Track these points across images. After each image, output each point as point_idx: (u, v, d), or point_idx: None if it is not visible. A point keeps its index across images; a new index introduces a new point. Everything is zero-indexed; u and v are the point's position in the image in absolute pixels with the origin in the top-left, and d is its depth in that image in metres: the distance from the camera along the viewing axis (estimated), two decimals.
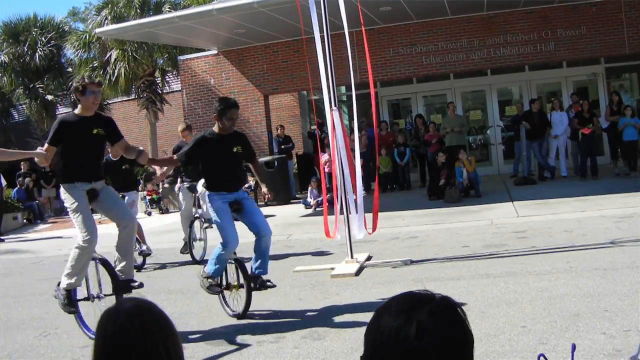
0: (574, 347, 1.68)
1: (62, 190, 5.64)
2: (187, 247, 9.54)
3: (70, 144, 5.49)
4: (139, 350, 1.47)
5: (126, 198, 9.56)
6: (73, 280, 5.53)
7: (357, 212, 7.76)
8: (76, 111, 5.66)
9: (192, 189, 9.57)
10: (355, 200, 7.76)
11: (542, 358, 1.63)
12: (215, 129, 6.16)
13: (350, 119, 16.62)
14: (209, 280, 6.06)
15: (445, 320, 1.30)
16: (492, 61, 15.66)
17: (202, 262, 9.25)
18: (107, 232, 14.16)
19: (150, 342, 1.48)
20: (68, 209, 5.65)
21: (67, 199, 5.56)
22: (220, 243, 6.05)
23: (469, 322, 1.35)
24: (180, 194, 10.08)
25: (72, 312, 5.58)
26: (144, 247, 9.59)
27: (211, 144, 6.07)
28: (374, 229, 7.94)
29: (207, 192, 6.11)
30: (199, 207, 9.62)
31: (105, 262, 5.75)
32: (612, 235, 8.13)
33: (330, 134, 7.88)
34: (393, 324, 1.29)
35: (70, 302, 5.54)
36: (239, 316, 5.97)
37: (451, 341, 1.28)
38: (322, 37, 7.87)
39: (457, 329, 1.31)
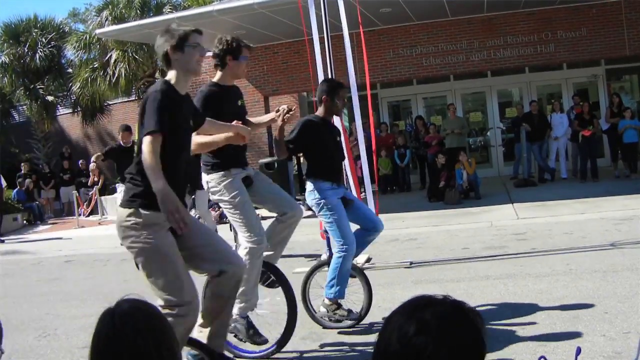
0: (578, 350, 1.68)
1: (212, 181, 4.62)
2: None
3: (222, 119, 4.41)
4: (130, 351, 1.47)
5: None
6: (250, 301, 4.61)
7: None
8: (216, 79, 4.66)
9: (190, 192, 9.37)
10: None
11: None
12: (320, 112, 5.33)
13: (351, 120, 16.62)
14: (338, 309, 5.13)
15: (451, 323, 1.26)
16: (492, 63, 15.67)
17: None
18: (109, 233, 14.14)
19: (142, 343, 1.49)
20: (225, 204, 4.61)
21: (224, 191, 4.55)
22: (338, 250, 5.13)
23: (483, 330, 1.30)
24: None
25: (262, 341, 4.63)
26: None
27: (318, 129, 5.26)
28: None
29: (314, 186, 5.24)
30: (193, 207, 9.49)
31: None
32: (612, 237, 8.13)
33: None
34: (397, 324, 1.28)
35: (253, 328, 4.62)
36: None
37: (454, 346, 1.24)
38: (322, 39, 7.89)
39: (462, 334, 1.26)
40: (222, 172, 4.56)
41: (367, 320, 5.47)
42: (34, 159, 23.31)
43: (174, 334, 1.59)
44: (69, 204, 19.57)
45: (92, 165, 11.36)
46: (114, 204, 18.40)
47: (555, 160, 15.04)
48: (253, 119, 5.08)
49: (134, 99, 22.66)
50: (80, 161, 20.21)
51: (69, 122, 25.78)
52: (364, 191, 8.58)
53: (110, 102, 23.91)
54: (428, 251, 8.65)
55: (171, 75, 3.71)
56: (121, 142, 10.27)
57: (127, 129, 10.33)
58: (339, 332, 5.31)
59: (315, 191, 5.24)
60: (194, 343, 3.58)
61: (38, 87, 23.29)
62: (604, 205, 10.75)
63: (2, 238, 14.81)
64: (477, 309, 4.84)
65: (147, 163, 3.27)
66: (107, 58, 20.33)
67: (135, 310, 1.55)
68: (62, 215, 19.41)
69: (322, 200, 5.20)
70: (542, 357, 1.63)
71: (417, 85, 17.66)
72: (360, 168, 8.57)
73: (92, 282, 8.74)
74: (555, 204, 11.41)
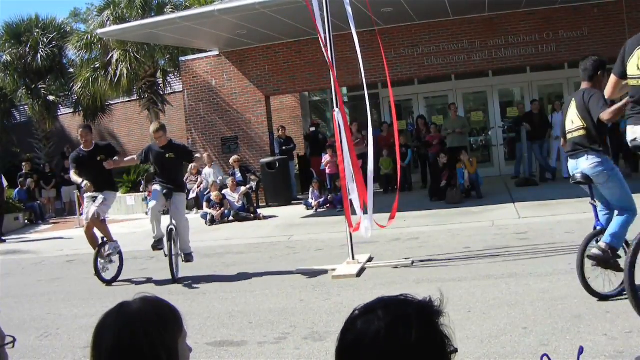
0: (581, 349, 1.68)
1: None
2: (159, 243, 8.44)
3: None
4: (134, 351, 1.47)
5: (99, 197, 8.49)
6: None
7: (364, 212, 7.79)
8: None
9: (168, 196, 8.29)
10: (365, 199, 7.77)
11: (545, 358, 1.63)
12: (588, 86, 5.71)
13: (353, 120, 16.62)
14: (612, 257, 5.28)
15: (403, 325, 1.23)
16: (493, 62, 15.66)
17: (180, 280, 8.11)
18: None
19: (147, 345, 1.48)
20: None
21: None
22: (627, 212, 5.53)
23: (446, 331, 1.27)
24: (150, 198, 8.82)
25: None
26: (111, 250, 8.52)
27: None
28: (391, 217, 8.10)
29: (601, 158, 5.66)
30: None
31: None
32: None
33: (337, 134, 7.91)
34: (352, 324, 1.28)
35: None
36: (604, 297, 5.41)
37: (406, 347, 1.21)
38: (322, 38, 7.88)
39: (413, 336, 1.22)
40: None
41: None
42: (35, 159, 23.33)
43: (176, 333, 1.57)
44: (70, 204, 19.59)
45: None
46: (115, 203, 18.42)
47: (556, 159, 15.04)
48: None
49: (135, 98, 22.68)
50: None
51: (70, 121, 25.81)
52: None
53: (111, 102, 23.94)
54: (430, 250, 8.65)
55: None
56: (81, 146, 8.68)
57: (87, 127, 8.93)
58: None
59: (603, 162, 5.64)
60: None
61: (39, 86, 23.32)
62: None
63: (3, 238, 14.82)
64: (479, 308, 4.81)
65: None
66: (108, 58, 20.34)
67: (140, 312, 1.53)
68: (64, 215, 19.42)
69: (612, 171, 5.67)
70: (544, 354, 1.63)
71: (419, 84, 17.66)
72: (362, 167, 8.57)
73: (94, 282, 8.73)
74: (556, 203, 11.40)
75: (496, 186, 14.60)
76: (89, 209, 8.56)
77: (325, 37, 7.87)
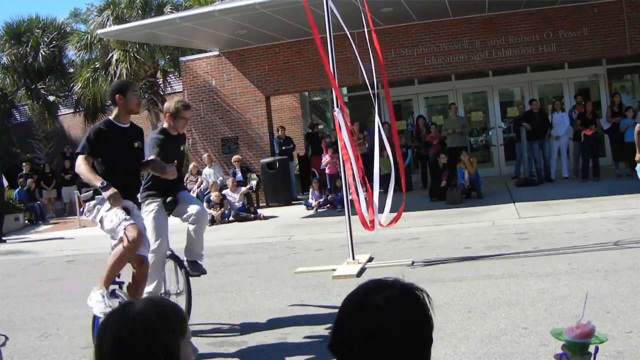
0: (596, 349, 1.69)
1: None
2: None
3: None
4: (137, 353, 1.47)
5: (135, 212, 5.33)
6: None
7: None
8: None
9: (171, 207, 5.85)
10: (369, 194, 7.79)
11: (564, 358, 1.63)
12: None
13: (354, 120, 16.61)
14: None
15: (401, 305, 1.37)
16: (493, 62, 15.66)
17: None
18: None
19: (146, 346, 1.48)
20: None
21: None
22: None
23: (431, 308, 1.41)
24: (148, 215, 5.73)
25: None
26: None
27: None
28: (397, 218, 8.06)
29: None
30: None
31: None
32: (613, 236, 8.13)
33: (339, 135, 7.91)
34: (352, 307, 1.40)
35: None
36: None
37: (406, 325, 1.34)
38: (324, 39, 7.88)
39: (413, 314, 1.37)
40: None
41: None
42: (36, 159, 23.32)
43: (179, 335, 1.57)
44: (70, 204, 19.58)
45: None
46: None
47: (556, 159, 15.05)
48: None
49: None
50: None
51: (71, 122, 25.80)
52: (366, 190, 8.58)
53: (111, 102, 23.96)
54: (430, 250, 8.65)
55: None
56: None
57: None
58: None
59: None
60: None
61: (39, 87, 23.32)
62: (605, 204, 10.74)
63: (3, 238, 14.82)
64: (479, 308, 4.82)
65: None
66: (108, 58, 20.34)
67: (143, 313, 1.53)
68: (64, 215, 19.42)
69: None
70: (562, 354, 1.65)
71: (419, 84, 17.65)
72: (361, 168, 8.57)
73: (94, 283, 8.74)
74: (556, 203, 11.41)
75: (496, 186, 14.60)
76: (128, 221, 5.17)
77: (327, 38, 7.89)
